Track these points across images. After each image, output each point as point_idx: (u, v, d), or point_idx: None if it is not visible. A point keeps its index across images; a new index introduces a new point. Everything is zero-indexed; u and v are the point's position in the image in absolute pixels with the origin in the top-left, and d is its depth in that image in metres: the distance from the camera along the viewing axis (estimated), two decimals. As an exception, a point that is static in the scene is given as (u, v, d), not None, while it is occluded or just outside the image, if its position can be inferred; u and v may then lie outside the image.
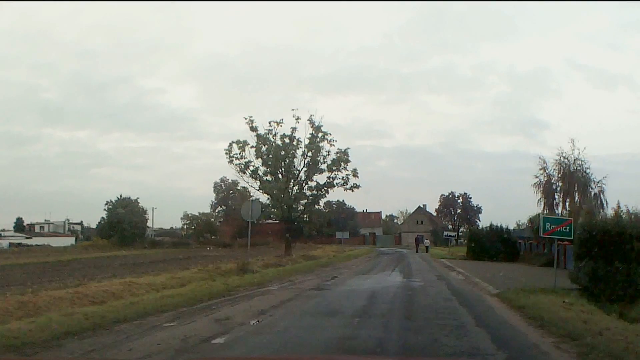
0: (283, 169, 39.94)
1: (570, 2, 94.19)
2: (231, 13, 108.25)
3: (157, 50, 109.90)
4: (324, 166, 40.05)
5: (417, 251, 51.92)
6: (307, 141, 39.71)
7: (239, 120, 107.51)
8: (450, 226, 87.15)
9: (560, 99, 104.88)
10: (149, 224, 78.77)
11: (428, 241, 53.63)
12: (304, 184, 40.46)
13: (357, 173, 39.82)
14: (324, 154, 39.99)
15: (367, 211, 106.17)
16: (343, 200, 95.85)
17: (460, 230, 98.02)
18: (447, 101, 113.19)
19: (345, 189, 40.05)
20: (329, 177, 39.44)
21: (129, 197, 76.89)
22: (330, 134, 40.10)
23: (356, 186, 39.90)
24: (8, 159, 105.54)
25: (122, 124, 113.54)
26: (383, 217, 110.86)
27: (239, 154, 39.99)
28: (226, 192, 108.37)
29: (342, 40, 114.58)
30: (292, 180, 40.72)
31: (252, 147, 39.59)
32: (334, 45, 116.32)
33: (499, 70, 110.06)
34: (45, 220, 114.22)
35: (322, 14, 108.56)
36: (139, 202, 77.26)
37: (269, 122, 39.82)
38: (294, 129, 39.28)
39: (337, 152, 39.49)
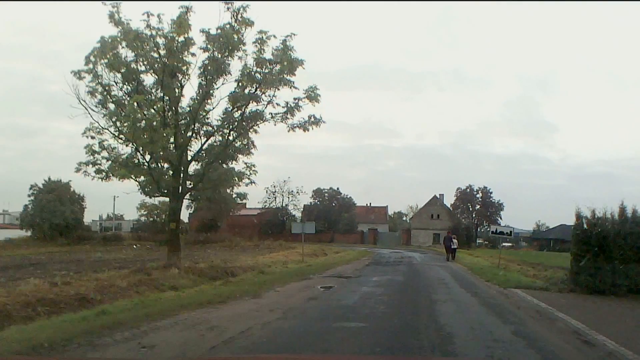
0: (165, 95, 18.29)
1: (582, 3, 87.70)
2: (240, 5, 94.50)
3: None
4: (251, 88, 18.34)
5: (448, 259, 29.80)
6: (216, 35, 17.91)
7: None
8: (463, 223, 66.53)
9: (570, 102, 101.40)
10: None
11: (456, 242, 31.29)
12: (206, 123, 18.61)
13: (316, 95, 17.67)
14: (252, 66, 18.22)
15: (371, 205, 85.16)
16: (338, 189, 73.92)
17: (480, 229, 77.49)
18: (457, 101, 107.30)
19: (291, 127, 17.98)
20: (251, 97, 17.51)
21: (60, 180, 56.28)
22: (273, 37, 18.09)
23: (315, 121, 17.75)
24: (15, 151, 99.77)
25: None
26: (390, 213, 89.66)
27: (95, 74, 18.18)
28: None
29: (353, 38, 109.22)
30: (187, 119, 19.10)
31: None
32: (343, 43, 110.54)
33: (508, 71, 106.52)
34: (4, 211, 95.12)
35: (334, 12, 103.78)
36: (71, 187, 56.79)
37: (158, 16, 17.78)
38: (186, 11, 17.23)
39: (274, 50, 17.45)
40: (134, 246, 45.74)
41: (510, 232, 25.15)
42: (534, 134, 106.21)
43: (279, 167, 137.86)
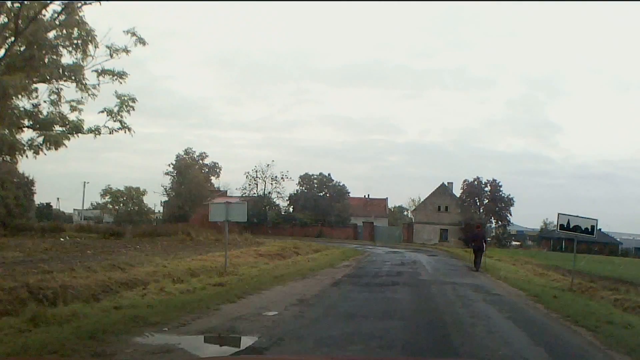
0: None
1: (586, 3, 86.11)
2: (247, 3, 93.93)
3: (170, 36, 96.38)
4: None
5: (476, 266, 18.80)
6: None
7: (251, 109, 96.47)
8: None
9: (574, 102, 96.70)
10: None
11: (485, 243, 19.66)
12: None
13: None
14: None
15: (370, 197, 73.72)
16: (329, 175, 62.55)
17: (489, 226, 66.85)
18: (460, 99, 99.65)
19: None
20: None
21: (6, 160, 43.78)
22: None
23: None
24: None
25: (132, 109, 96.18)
26: (390, 206, 78.34)
27: None
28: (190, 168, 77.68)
29: (357, 35, 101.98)
30: None
31: None
32: (348, 39, 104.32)
33: (512, 71, 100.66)
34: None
35: (338, 8, 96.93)
36: (17, 169, 45.27)
37: None
38: None
39: None
40: (61, 239, 34.79)
41: (592, 227, 13.93)
42: (537, 133, 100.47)
43: (280, 160, 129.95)
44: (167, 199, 58.93)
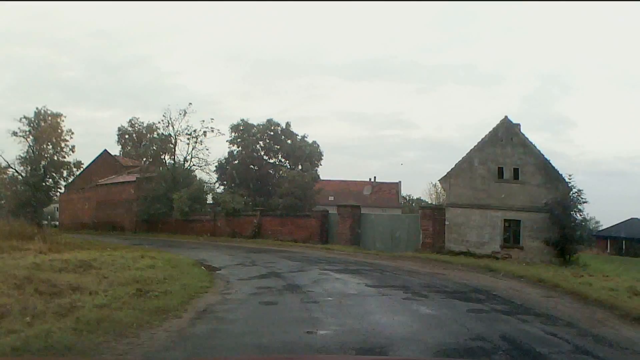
0: None
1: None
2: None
3: (178, 32, 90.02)
4: None
5: None
6: None
7: (261, 104, 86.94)
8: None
9: (588, 97, 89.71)
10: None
11: None
12: None
13: None
14: None
15: (376, 180, 48.66)
16: (288, 124, 34.35)
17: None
18: (474, 94, 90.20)
19: None
20: None
21: None
22: None
23: None
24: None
25: (142, 105, 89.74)
26: (403, 193, 51.73)
27: None
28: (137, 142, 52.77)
29: (367, 30, 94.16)
30: None
31: None
32: (358, 34, 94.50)
33: (526, 65, 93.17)
34: None
35: (347, 3, 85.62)
36: None
37: None
38: None
39: None
40: None
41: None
42: (551, 128, 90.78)
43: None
44: (7, 176, 32.43)
